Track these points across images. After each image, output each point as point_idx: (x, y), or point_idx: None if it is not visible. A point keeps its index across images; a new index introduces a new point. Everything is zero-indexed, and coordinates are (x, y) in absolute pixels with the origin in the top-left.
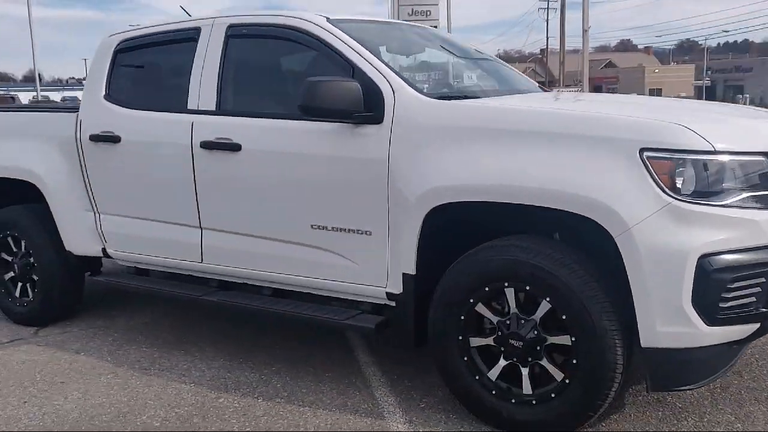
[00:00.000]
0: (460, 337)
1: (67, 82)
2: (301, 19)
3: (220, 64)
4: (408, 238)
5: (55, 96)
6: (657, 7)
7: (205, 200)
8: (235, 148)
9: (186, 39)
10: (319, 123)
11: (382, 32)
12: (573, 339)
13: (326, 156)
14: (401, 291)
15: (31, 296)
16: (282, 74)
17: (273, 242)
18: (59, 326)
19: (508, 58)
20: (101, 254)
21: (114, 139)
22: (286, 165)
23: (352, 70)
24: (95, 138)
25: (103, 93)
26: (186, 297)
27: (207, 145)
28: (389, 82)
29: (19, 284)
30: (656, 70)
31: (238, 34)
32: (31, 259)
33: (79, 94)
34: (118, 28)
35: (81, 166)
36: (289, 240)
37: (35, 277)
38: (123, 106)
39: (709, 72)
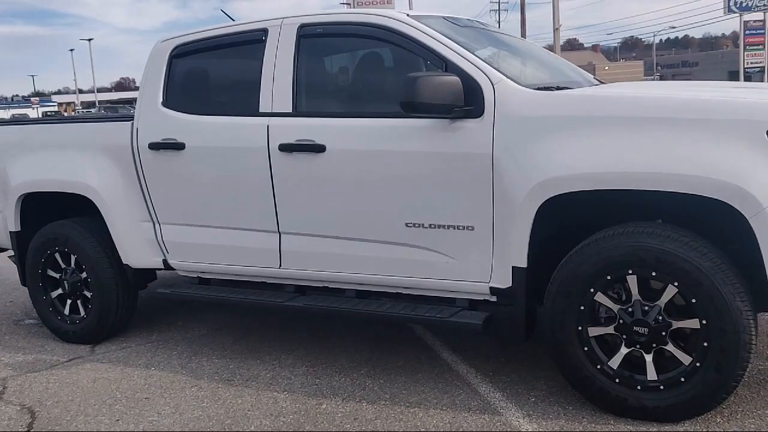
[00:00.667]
0: (580, 328)
1: (12, 99)
2: (384, 16)
3: (293, 64)
4: (519, 231)
5: (2, 114)
6: (600, 8)
7: (285, 204)
8: (319, 149)
9: (251, 41)
10: (412, 120)
11: (449, 28)
12: (703, 322)
13: (422, 152)
14: (510, 285)
15: (83, 313)
16: (364, 73)
17: (361, 243)
18: (115, 342)
19: None
20: (161, 266)
21: (177, 146)
22: (376, 164)
23: (444, 64)
24: (155, 146)
25: (161, 100)
26: (269, 304)
27: (286, 148)
28: (487, 76)
29: (68, 301)
30: (606, 68)
31: (311, 34)
32: (83, 275)
33: (27, 111)
34: (58, 43)
35: (138, 176)
36: (380, 239)
37: (88, 294)
38: (185, 112)
39: (659, 67)
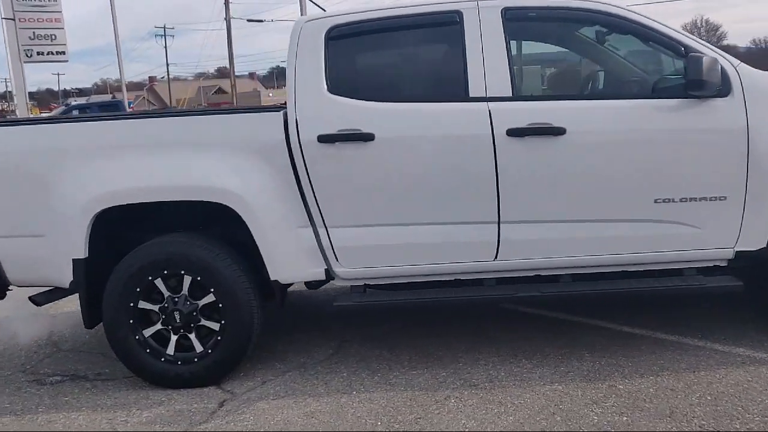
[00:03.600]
0: None
1: None
2: (611, 4)
3: (506, 48)
4: None
5: None
6: (251, 40)
7: (511, 191)
8: (558, 131)
9: (440, 23)
10: (658, 100)
11: None
12: None
13: (675, 130)
14: (764, 246)
15: (200, 348)
16: (590, 56)
17: (601, 224)
18: (240, 379)
19: (117, 87)
20: (321, 277)
21: (363, 138)
22: (625, 143)
23: (684, 49)
24: (329, 138)
25: (325, 86)
26: (489, 296)
27: (517, 132)
28: (727, 59)
29: (174, 338)
30: (270, 94)
31: (519, 17)
32: (200, 302)
33: None
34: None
35: (297, 174)
36: (623, 218)
37: (209, 324)
38: (366, 100)
39: None
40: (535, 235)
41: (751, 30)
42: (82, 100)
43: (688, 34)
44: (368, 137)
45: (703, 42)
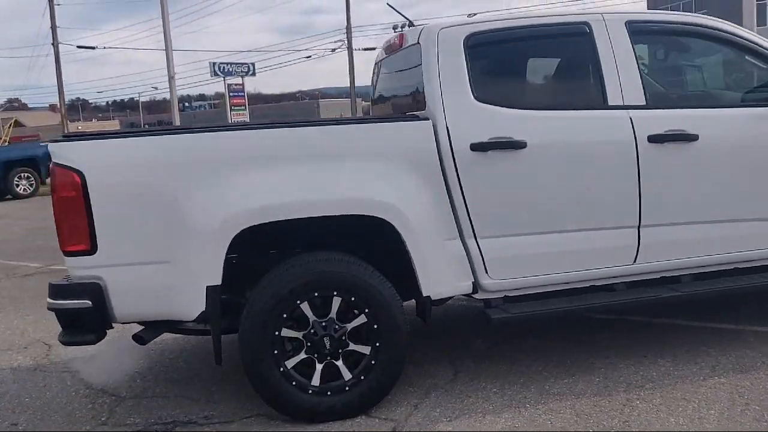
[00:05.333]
0: None
1: None
2: (717, 20)
3: (635, 58)
4: None
5: None
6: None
7: (651, 194)
8: (692, 138)
9: (570, 34)
10: None
11: None
12: None
13: None
14: None
15: (349, 375)
16: (709, 68)
17: (727, 224)
18: (382, 404)
19: None
20: (468, 290)
21: (516, 146)
22: (749, 148)
23: None
24: (481, 147)
25: (472, 94)
26: (640, 300)
27: (657, 139)
28: None
29: (319, 366)
30: (79, 127)
31: (641, 30)
32: (348, 325)
33: None
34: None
35: (448, 184)
36: (748, 218)
37: (358, 347)
38: (512, 107)
39: (147, 126)
40: (670, 237)
41: None
42: None
43: None
44: (520, 145)
45: None
